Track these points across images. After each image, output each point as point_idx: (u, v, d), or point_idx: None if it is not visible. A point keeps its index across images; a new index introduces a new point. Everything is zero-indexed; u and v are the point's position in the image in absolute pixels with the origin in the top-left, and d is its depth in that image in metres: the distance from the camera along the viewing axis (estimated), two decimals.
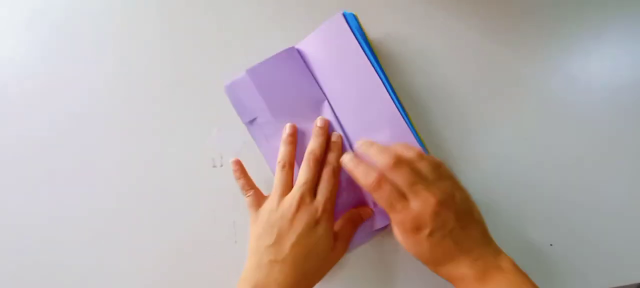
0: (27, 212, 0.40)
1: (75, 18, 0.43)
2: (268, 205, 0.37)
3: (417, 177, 0.33)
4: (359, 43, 0.41)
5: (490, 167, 0.44)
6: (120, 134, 0.42)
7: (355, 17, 0.42)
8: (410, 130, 0.40)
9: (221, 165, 0.42)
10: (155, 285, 0.41)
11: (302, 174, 0.37)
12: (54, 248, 0.40)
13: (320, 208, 0.36)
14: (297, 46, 0.42)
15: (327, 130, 0.40)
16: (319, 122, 0.40)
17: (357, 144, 0.38)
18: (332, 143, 0.40)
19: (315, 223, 0.36)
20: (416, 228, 0.33)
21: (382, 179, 0.33)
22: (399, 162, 0.34)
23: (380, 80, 0.41)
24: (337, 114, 0.41)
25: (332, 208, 0.37)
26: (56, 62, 0.42)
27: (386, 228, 0.42)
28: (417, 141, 0.40)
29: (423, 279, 0.42)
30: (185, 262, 0.41)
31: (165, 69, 0.43)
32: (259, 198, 0.38)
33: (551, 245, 0.43)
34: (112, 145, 0.42)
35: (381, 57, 0.44)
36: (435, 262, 0.34)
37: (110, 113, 0.42)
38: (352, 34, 0.41)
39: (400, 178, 0.33)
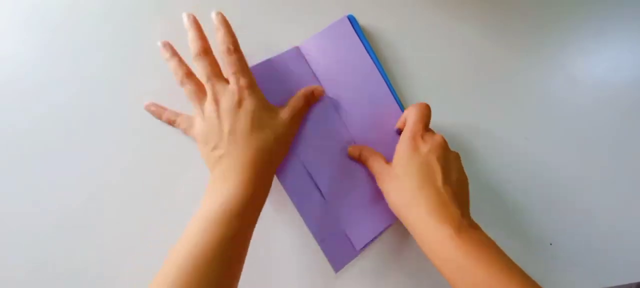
0: (25, 211, 0.40)
1: (75, 17, 0.43)
2: (197, 120, 0.37)
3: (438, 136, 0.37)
4: (363, 45, 0.42)
5: (489, 166, 0.44)
6: (120, 133, 0.42)
7: (355, 19, 0.42)
8: None
9: None
10: None
11: (201, 72, 0.36)
12: (52, 247, 0.40)
13: (236, 88, 0.35)
14: (299, 46, 0.42)
15: (196, 19, 0.38)
16: (185, 17, 0.38)
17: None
18: (216, 25, 0.37)
19: (238, 103, 0.35)
20: (417, 144, 0.36)
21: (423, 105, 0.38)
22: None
23: (384, 82, 0.42)
24: (340, 113, 0.42)
25: (249, 81, 0.36)
26: (55, 61, 0.42)
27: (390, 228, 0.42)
28: None
29: (428, 279, 0.42)
30: None
31: (165, 68, 0.43)
32: (200, 93, 0.37)
33: (551, 244, 0.43)
34: (111, 144, 0.41)
35: (381, 56, 0.44)
36: (420, 178, 0.34)
37: (109, 112, 0.42)
38: (357, 36, 0.42)
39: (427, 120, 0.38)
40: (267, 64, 0.41)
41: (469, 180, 0.37)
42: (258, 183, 0.34)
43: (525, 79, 0.45)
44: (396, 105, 0.42)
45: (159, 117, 0.40)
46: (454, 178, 0.35)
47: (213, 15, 0.38)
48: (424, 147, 0.35)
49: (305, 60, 0.42)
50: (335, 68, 0.42)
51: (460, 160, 0.37)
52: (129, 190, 0.41)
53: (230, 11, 0.43)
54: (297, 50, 0.42)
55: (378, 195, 0.41)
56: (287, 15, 0.44)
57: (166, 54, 0.39)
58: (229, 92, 0.35)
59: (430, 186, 0.34)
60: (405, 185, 0.35)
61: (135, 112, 0.42)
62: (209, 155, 0.36)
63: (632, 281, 0.42)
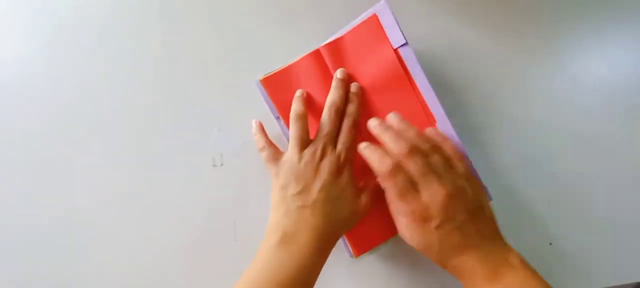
0: (25, 212, 0.41)
1: (76, 19, 0.43)
2: (289, 156, 0.37)
3: (429, 168, 0.34)
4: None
5: (490, 166, 0.44)
6: (121, 133, 0.42)
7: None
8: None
9: (221, 165, 0.42)
10: (155, 284, 0.41)
11: (324, 125, 0.37)
12: (52, 247, 0.40)
13: (342, 157, 0.36)
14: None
15: (347, 82, 0.39)
16: (338, 74, 0.39)
17: (372, 124, 0.37)
18: (352, 94, 0.39)
19: (338, 172, 0.36)
20: (424, 219, 0.33)
21: (396, 167, 0.33)
22: (414, 151, 0.34)
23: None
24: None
25: (353, 157, 0.37)
26: (56, 62, 0.42)
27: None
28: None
29: (428, 279, 0.42)
30: (185, 261, 0.41)
31: (165, 68, 0.43)
32: (276, 153, 0.38)
33: (550, 244, 0.43)
34: (112, 144, 0.42)
35: None
36: (442, 254, 0.33)
37: (110, 113, 0.42)
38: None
39: (413, 167, 0.33)
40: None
41: None
42: (321, 254, 0.35)
43: (525, 78, 0.45)
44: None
45: (253, 134, 0.40)
46: (474, 229, 0.33)
47: (338, 74, 0.39)
48: (433, 223, 0.33)
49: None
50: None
51: (465, 182, 0.34)
52: (130, 191, 0.41)
53: (229, 9, 0.43)
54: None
55: (384, 207, 0.38)
56: (292, 15, 0.44)
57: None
58: (335, 156, 0.36)
59: (459, 253, 0.33)
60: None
61: (137, 113, 0.42)
62: (286, 197, 0.35)
63: (631, 281, 0.42)
